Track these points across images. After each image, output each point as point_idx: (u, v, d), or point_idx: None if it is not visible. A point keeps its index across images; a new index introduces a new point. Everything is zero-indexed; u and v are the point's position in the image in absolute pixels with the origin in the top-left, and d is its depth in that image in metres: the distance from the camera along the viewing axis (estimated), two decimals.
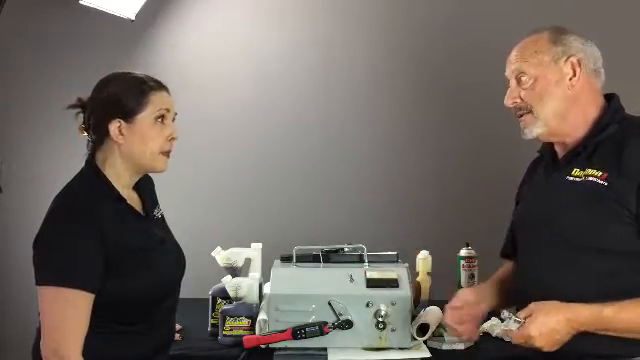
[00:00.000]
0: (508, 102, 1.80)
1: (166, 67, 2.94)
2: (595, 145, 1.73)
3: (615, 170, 1.65)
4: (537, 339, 1.61)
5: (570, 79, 1.75)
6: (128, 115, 1.70)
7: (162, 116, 1.74)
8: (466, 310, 1.90)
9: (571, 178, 1.72)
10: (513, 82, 1.80)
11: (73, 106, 1.76)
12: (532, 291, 1.74)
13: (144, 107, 1.71)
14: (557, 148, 1.83)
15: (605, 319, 1.60)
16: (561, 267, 1.68)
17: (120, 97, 1.71)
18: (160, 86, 1.77)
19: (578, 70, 1.75)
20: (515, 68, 1.79)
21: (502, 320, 1.69)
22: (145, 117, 1.72)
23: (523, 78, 1.77)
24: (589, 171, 1.70)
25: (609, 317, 1.60)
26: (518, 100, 1.78)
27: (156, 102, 1.73)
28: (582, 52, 1.77)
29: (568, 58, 1.75)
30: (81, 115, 1.76)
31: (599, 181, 1.67)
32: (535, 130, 1.77)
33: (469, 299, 1.92)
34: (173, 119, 1.78)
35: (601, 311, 1.60)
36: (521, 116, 1.79)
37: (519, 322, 1.64)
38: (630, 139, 1.68)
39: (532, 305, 1.65)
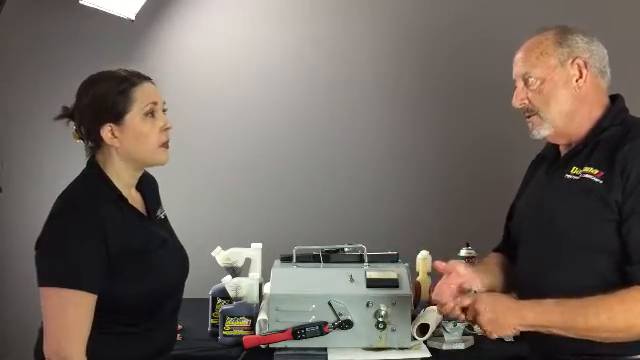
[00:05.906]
0: (516, 103, 1.79)
1: (166, 67, 2.94)
2: (595, 144, 1.73)
3: (610, 169, 1.66)
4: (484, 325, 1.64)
5: (577, 80, 1.74)
6: (116, 117, 1.67)
7: (151, 110, 1.70)
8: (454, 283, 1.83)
9: (569, 176, 1.73)
10: (520, 83, 1.78)
11: (61, 117, 1.73)
12: (522, 287, 1.78)
13: (130, 106, 1.67)
14: (561, 147, 1.83)
15: (551, 321, 1.61)
16: (550, 264, 1.68)
17: (104, 101, 1.66)
18: (142, 79, 1.71)
19: (585, 71, 1.74)
20: (522, 70, 1.78)
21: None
22: (134, 115, 1.68)
23: (530, 80, 1.76)
24: (586, 169, 1.70)
25: (555, 319, 1.60)
26: (526, 101, 1.78)
27: (141, 98, 1.69)
28: (588, 52, 1.75)
29: (574, 59, 1.74)
30: (72, 122, 1.73)
31: (594, 178, 1.67)
32: (543, 131, 1.77)
33: (462, 272, 1.83)
34: (164, 110, 1.74)
35: (549, 311, 1.61)
36: (529, 117, 1.79)
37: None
38: (627, 140, 1.68)
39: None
